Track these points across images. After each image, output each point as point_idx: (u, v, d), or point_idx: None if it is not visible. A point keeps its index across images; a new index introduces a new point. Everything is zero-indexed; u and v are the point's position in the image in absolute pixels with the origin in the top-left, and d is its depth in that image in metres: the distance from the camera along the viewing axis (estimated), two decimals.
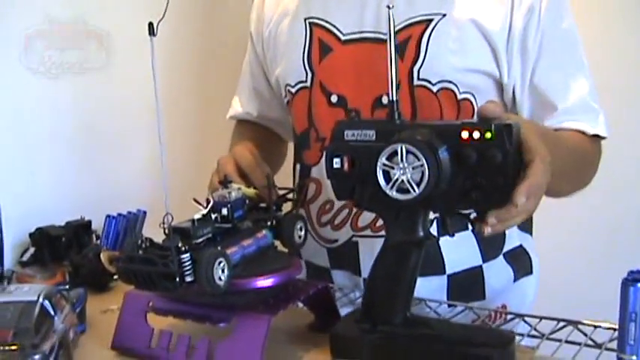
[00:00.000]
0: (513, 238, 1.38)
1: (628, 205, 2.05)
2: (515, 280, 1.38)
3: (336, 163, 1.01)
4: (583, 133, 1.27)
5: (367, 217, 1.30)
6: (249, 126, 1.57)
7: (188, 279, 0.92)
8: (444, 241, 1.27)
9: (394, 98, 0.99)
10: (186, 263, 0.92)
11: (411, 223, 1.00)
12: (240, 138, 1.53)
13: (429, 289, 1.28)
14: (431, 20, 1.25)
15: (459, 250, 1.30)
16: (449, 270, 1.31)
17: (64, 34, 1.68)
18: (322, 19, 1.34)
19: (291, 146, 1.54)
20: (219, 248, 0.95)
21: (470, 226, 1.26)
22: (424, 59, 1.25)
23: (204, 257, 0.92)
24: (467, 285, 1.32)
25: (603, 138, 1.29)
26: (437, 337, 1.01)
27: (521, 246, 1.40)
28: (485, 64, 1.25)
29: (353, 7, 1.30)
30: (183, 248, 0.93)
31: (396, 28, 1.20)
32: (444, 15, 1.25)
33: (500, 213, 0.94)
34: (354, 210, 1.31)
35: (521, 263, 1.39)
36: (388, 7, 1.00)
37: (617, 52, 1.97)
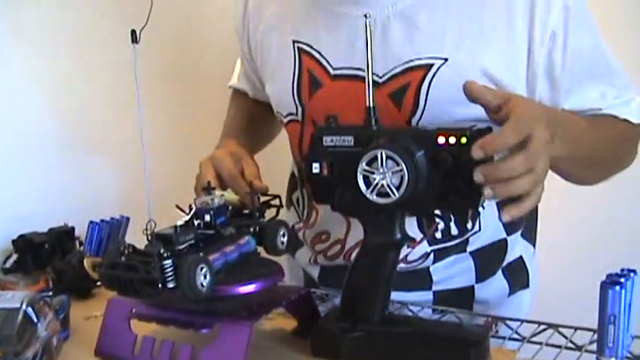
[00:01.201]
0: (514, 251, 1.35)
1: (615, 208, 2.06)
2: (510, 295, 1.36)
3: (315, 168, 1.03)
4: (614, 117, 1.22)
5: None
6: (244, 99, 1.55)
7: (170, 285, 0.92)
8: (436, 267, 1.29)
9: (371, 104, 1.01)
10: (168, 269, 0.92)
11: (388, 226, 1.02)
12: (235, 109, 1.54)
13: (412, 299, 1.28)
14: (431, 65, 1.16)
15: (451, 271, 1.30)
16: (435, 287, 1.30)
17: (48, 40, 1.68)
18: (312, 47, 1.27)
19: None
20: (201, 254, 0.96)
21: (467, 249, 1.26)
22: (423, 111, 1.17)
23: (186, 263, 0.92)
24: (454, 300, 1.29)
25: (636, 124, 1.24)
26: (414, 334, 1.04)
27: (520, 257, 1.37)
28: None
29: (343, 39, 1.23)
30: (165, 254, 0.93)
31: (394, 72, 1.18)
32: (446, 60, 1.16)
33: (489, 173, 0.92)
34: (347, 247, 1.31)
35: (518, 277, 1.37)
36: (365, 15, 1.00)
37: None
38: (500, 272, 1.34)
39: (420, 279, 1.30)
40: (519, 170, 0.91)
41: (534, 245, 1.42)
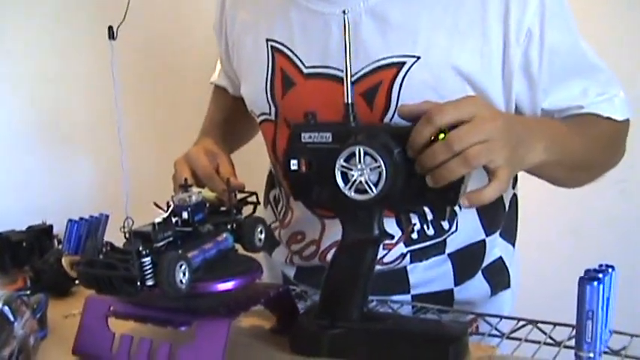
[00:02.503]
0: (494, 252, 1.34)
1: (591, 205, 2.06)
2: (491, 295, 1.35)
3: (293, 165, 1.02)
4: (597, 116, 1.19)
5: None
6: (225, 94, 1.53)
7: (149, 283, 0.92)
8: (414, 267, 1.28)
9: (350, 101, 1.00)
10: (147, 267, 0.92)
11: (367, 222, 1.02)
12: (215, 106, 1.53)
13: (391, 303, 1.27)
14: (403, 64, 1.14)
15: (430, 274, 1.29)
16: (413, 291, 1.30)
17: (25, 37, 1.67)
18: (285, 46, 1.25)
19: None
20: (180, 252, 0.95)
21: (445, 251, 1.26)
22: (395, 110, 1.14)
23: (166, 261, 0.91)
24: (434, 302, 1.26)
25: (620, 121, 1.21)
26: (394, 331, 1.03)
27: (500, 258, 1.36)
28: None
29: (316, 37, 1.22)
30: (144, 252, 0.92)
31: (365, 71, 1.17)
32: (418, 58, 1.14)
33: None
34: (322, 247, 1.30)
35: (498, 278, 1.36)
36: (344, 12, 0.99)
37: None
38: (480, 274, 1.33)
39: (398, 282, 1.28)
40: (439, 156, 0.92)
41: (514, 245, 1.41)
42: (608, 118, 1.20)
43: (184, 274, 0.93)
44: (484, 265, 1.33)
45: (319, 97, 1.20)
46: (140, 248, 0.92)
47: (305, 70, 1.23)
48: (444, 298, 1.30)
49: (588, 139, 1.17)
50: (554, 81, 1.17)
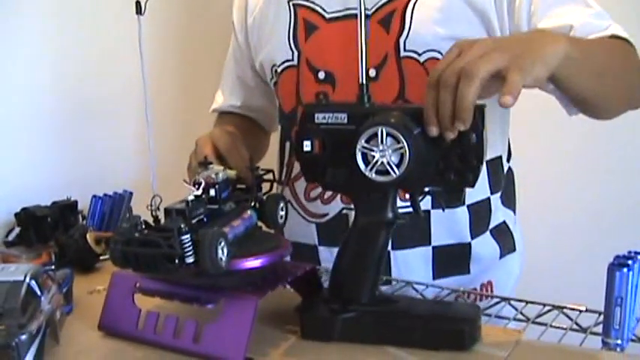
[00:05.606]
0: (498, 215, 1.39)
1: (616, 188, 2.05)
2: (500, 257, 1.39)
3: (307, 146, 1.01)
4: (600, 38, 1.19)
5: None
6: (231, 117, 1.56)
7: (189, 260, 0.91)
8: (435, 215, 1.30)
9: (364, 81, 1.00)
10: (187, 244, 0.91)
11: (381, 204, 1.01)
12: (220, 123, 1.55)
13: (413, 258, 1.31)
14: None
15: (448, 224, 1.32)
16: (434, 242, 1.32)
17: (51, 12, 1.67)
18: (306, 0, 1.35)
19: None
20: (215, 228, 0.94)
21: (464, 202, 1.29)
22: (409, 30, 1.26)
23: (207, 237, 0.91)
24: (452, 258, 1.33)
25: (624, 39, 1.20)
26: (406, 313, 1.03)
27: (504, 222, 1.41)
28: (471, 31, 1.25)
29: None
30: (184, 229, 0.92)
31: (382, 2, 1.27)
32: None
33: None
34: None
35: (505, 240, 1.41)
36: (359, 13, 1.01)
37: None
38: (488, 233, 1.37)
39: (420, 230, 1.31)
40: (447, 73, 0.93)
41: (514, 212, 1.46)
42: (613, 37, 1.19)
43: (223, 251, 0.93)
44: (491, 226, 1.38)
45: (342, 37, 1.31)
46: (182, 225, 0.92)
47: (327, 16, 1.34)
48: (461, 251, 1.34)
49: (604, 45, 1.18)
50: (542, 8, 1.21)
